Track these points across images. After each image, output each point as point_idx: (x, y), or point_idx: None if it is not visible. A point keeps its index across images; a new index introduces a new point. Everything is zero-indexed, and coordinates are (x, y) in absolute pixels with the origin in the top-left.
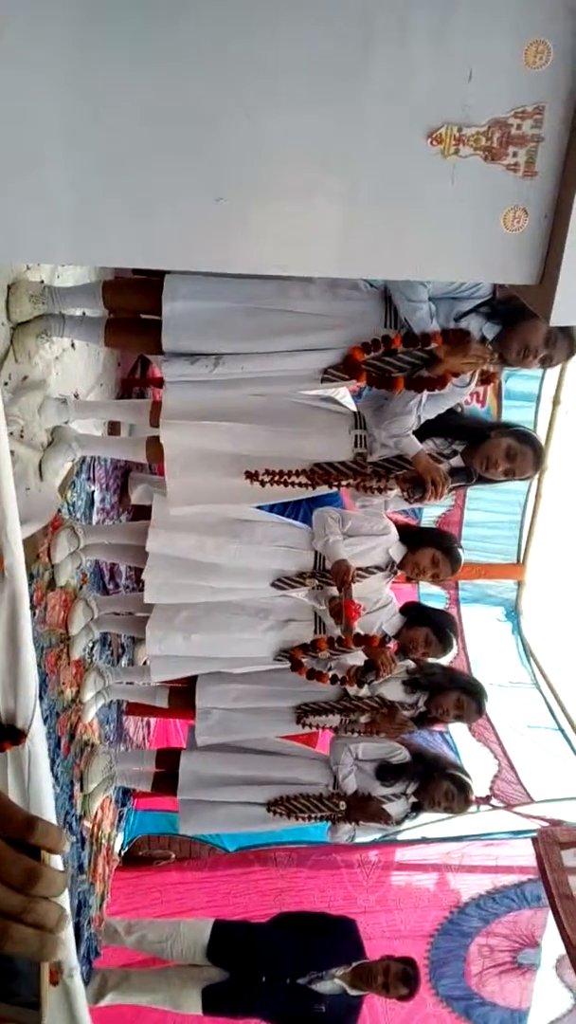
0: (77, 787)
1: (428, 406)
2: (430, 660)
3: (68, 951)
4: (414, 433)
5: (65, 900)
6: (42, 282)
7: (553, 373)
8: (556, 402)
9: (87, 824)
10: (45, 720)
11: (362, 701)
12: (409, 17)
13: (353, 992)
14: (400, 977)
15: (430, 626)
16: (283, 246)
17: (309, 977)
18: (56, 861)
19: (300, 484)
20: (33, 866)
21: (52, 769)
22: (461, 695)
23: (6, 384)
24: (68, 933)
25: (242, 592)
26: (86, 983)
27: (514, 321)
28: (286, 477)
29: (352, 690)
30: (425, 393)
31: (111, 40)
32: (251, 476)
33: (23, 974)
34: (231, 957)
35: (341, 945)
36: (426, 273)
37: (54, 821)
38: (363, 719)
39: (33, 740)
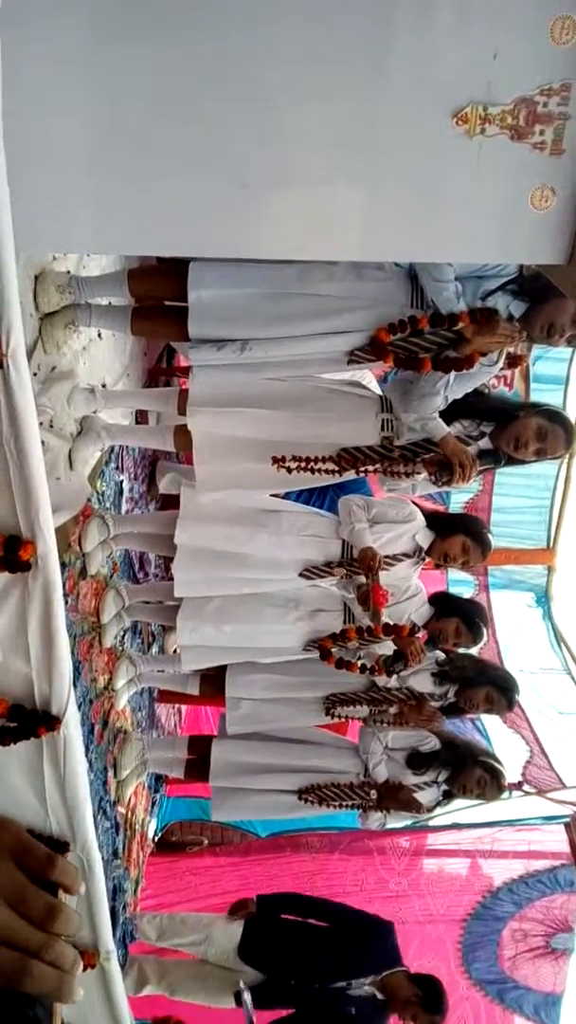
0: (111, 773)
1: (455, 386)
2: (460, 650)
3: (105, 934)
4: (441, 415)
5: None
6: (68, 272)
7: None
8: None
9: (121, 810)
10: (79, 707)
11: (391, 692)
12: None
13: (383, 997)
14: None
15: (460, 616)
16: (307, 231)
17: (339, 985)
18: (71, 900)
19: (327, 470)
20: (54, 903)
21: (86, 755)
22: (491, 690)
23: (35, 375)
24: (104, 916)
25: (271, 583)
26: (122, 966)
27: (541, 299)
28: (313, 463)
29: (381, 680)
30: (452, 373)
31: (133, 30)
32: (278, 462)
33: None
34: (264, 959)
35: (376, 952)
36: (452, 255)
37: (89, 806)
38: (392, 710)
39: (68, 726)
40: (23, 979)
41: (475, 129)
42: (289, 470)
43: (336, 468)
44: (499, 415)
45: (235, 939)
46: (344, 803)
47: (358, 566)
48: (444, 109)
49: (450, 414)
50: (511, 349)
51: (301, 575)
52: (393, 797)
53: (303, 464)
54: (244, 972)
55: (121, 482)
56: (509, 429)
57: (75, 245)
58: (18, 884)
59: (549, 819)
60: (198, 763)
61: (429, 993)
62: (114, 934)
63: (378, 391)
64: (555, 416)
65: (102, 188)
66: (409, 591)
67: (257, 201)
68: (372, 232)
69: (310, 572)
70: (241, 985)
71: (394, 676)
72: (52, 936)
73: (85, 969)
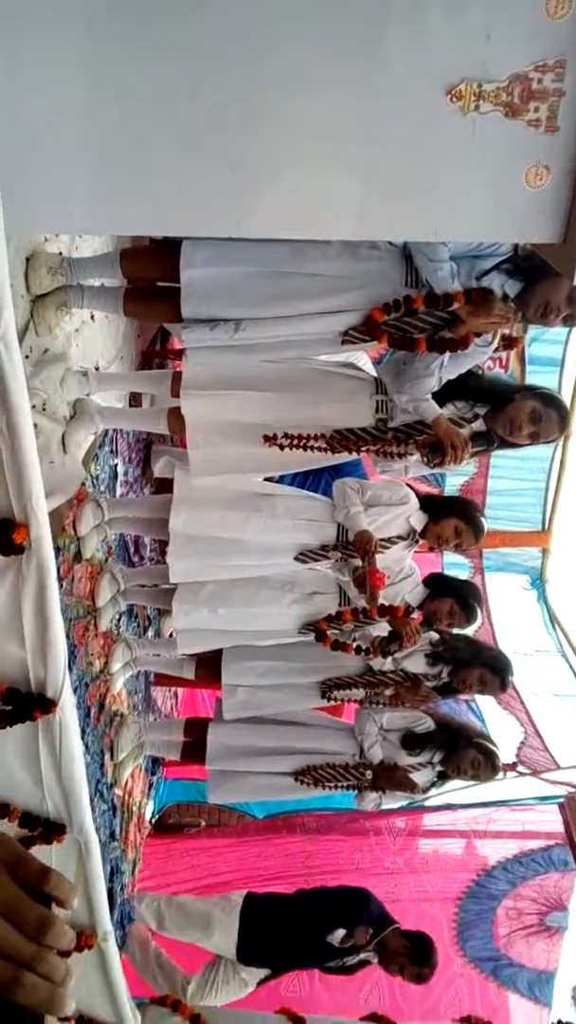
0: (108, 756)
1: (449, 366)
2: (454, 631)
3: (102, 915)
4: (435, 396)
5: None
6: (60, 254)
7: None
8: None
9: (118, 792)
10: (75, 691)
11: (386, 675)
12: None
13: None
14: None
15: (454, 597)
16: (302, 211)
17: (336, 963)
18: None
19: (320, 448)
20: (47, 915)
21: (83, 739)
22: (485, 671)
23: (27, 357)
24: (102, 897)
25: (266, 567)
26: (120, 948)
27: (536, 278)
28: (305, 441)
29: (376, 663)
30: (447, 354)
31: (131, 9)
32: (269, 440)
33: None
34: (262, 958)
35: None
36: (447, 234)
37: (86, 789)
38: (387, 692)
39: (63, 709)
40: (15, 990)
41: (469, 106)
42: (281, 447)
43: (328, 447)
44: (493, 397)
45: (233, 937)
46: (340, 784)
47: (353, 549)
48: (438, 86)
49: (444, 396)
50: (506, 330)
51: (296, 559)
52: (388, 778)
53: (295, 441)
54: (249, 971)
55: (115, 465)
56: (503, 412)
57: (68, 226)
58: (11, 896)
59: (544, 799)
60: (194, 746)
61: (418, 947)
62: (111, 915)
63: (373, 373)
64: (550, 399)
65: (96, 169)
66: (403, 572)
67: (252, 181)
68: (366, 211)
69: (305, 556)
70: None
71: (389, 658)
72: (45, 948)
73: (83, 949)
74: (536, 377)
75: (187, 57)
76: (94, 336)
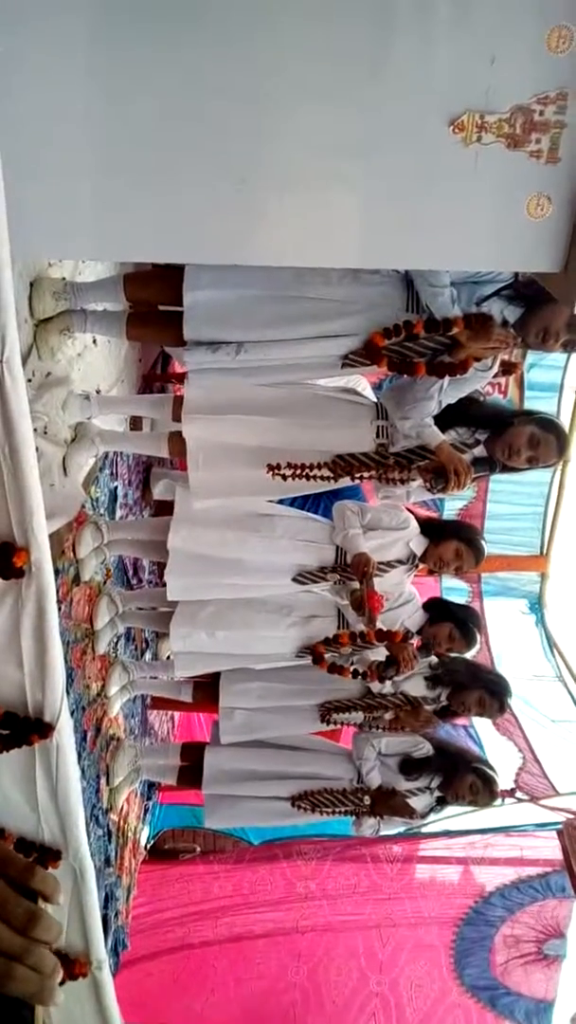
0: (103, 781)
1: (450, 391)
2: (453, 655)
3: (96, 943)
4: (435, 422)
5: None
6: (64, 279)
7: None
8: None
9: (113, 817)
10: (72, 714)
11: (385, 698)
12: (429, 4)
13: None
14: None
15: (453, 621)
16: (305, 238)
17: None
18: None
19: (322, 477)
20: (34, 909)
21: (79, 763)
22: (483, 694)
23: (30, 381)
24: (96, 925)
25: (264, 588)
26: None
27: (536, 304)
28: (308, 470)
29: (375, 686)
30: (447, 378)
31: (132, 34)
32: (272, 469)
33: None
34: None
35: None
36: (448, 263)
37: (82, 814)
38: (387, 716)
39: (61, 733)
40: (5, 982)
41: (472, 137)
42: (284, 477)
43: (331, 475)
44: (493, 423)
45: None
46: (337, 809)
47: (352, 571)
48: (441, 117)
49: (445, 421)
50: (505, 356)
51: (294, 580)
52: (386, 803)
53: (298, 471)
54: None
55: (115, 488)
56: (502, 437)
57: (74, 252)
58: None
59: (542, 826)
60: (191, 770)
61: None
62: (106, 943)
63: (373, 398)
64: (548, 424)
65: (101, 196)
66: (403, 597)
67: (255, 209)
68: (369, 240)
69: (304, 577)
70: None
71: (387, 682)
72: (33, 941)
73: (77, 978)
74: (535, 402)
75: (193, 89)
76: (96, 360)
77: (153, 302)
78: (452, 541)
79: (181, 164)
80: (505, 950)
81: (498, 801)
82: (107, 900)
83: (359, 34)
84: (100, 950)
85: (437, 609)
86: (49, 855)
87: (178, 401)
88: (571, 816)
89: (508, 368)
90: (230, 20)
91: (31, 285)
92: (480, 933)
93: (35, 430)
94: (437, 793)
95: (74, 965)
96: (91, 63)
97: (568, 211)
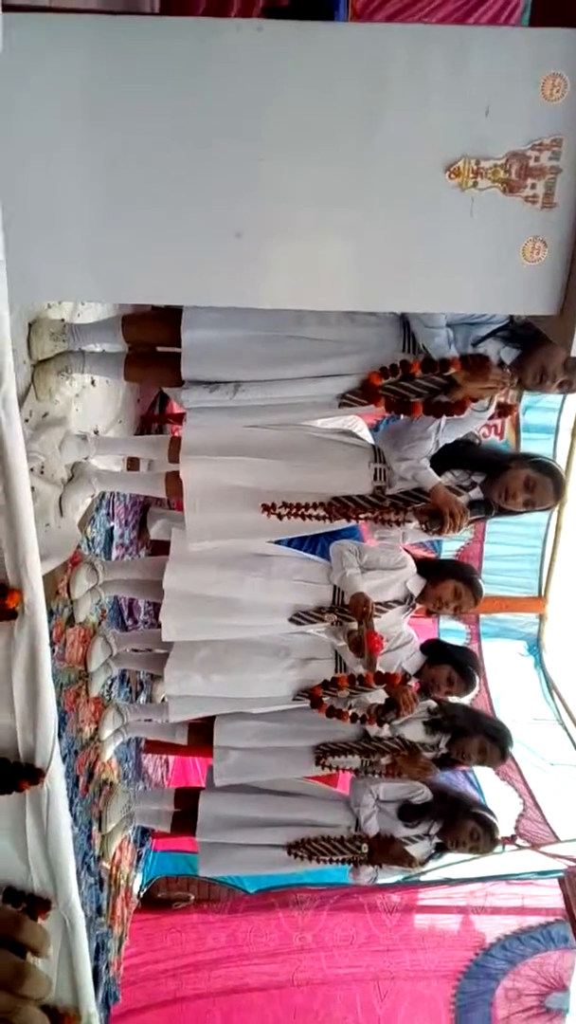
0: (95, 827)
1: (447, 431)
2: (452, 699)
3: (86, 996)
4: (432, 464)
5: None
6: (62, 320)
7: (572, 406)
8: (575, 434)
9: (105, 865)
10: (63, 759)
11: (383, 742)
12: (424, 53)
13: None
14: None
15: (452, 664)
16: (302, 282)
17: None
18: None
19: (318, 517)
20: (22, 964)
21: (70, 809)
22: (484, 741)
23: (27, 421)
24: (86, 977)
25: (261, 628)
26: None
27: (532, 345)
28: (303, 510)
29: (373, 730)
30: (444, 418)
31: (132, 87)
32: (268, 509)
33: None
34: None
35: None
36: (444, 306)
37: (73, 862)
38: (384, 761)
39: (52, 779)
40: None
41: (468, 182)
42: (280, 516)
43: (326, 515)
44: (490, 466)
45: None
46: (335, 857)
47: (349, 612)
48: (437, 163)
49: (442, 464)
50: (502, 397)
51: (291, 620)
52: (385, 851)
53: (293, 511)
54: None
55: (111, 528)
56: (499, 480)
57: (72, 294)
58: None
59: (543, 874)
60: (185, 816)
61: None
62: (96, 995)
63: (370, 440)
64: (544, 467)
65: (100, 238)
66: (400, 639)
67: (253, 252)
68: (365, 283)
69: (300, 617)
70: None
71: (386, 726)
72: (20, 999)
73: None
74: (531, 445)
75: (191, 136)
76: (94, 400)
77: (151, 343)
78: (450, 580)
79: (179, 216)
80: (507, 1004)
81: (499, 848)
82: (98, 951)
83: (354, 85)
84: (90, 1003)
85: (435, 651)
86: (39, 905)
87: (176, 442)
88: (572, 864)
89: (504, 410)
90: (227, 81)
91: (30, 326)
92: (481, 987)
93: (31, 470)
94: (436, 840)
95: (63, 1019)
96: (92, 111)
97: (563, 254)
